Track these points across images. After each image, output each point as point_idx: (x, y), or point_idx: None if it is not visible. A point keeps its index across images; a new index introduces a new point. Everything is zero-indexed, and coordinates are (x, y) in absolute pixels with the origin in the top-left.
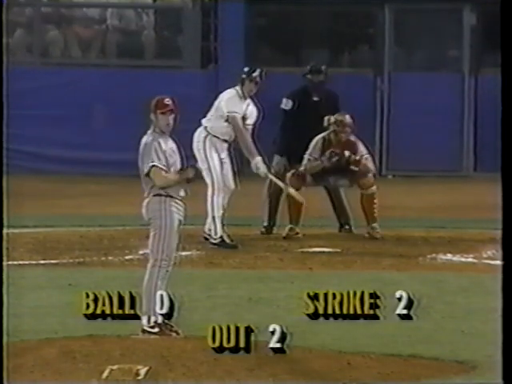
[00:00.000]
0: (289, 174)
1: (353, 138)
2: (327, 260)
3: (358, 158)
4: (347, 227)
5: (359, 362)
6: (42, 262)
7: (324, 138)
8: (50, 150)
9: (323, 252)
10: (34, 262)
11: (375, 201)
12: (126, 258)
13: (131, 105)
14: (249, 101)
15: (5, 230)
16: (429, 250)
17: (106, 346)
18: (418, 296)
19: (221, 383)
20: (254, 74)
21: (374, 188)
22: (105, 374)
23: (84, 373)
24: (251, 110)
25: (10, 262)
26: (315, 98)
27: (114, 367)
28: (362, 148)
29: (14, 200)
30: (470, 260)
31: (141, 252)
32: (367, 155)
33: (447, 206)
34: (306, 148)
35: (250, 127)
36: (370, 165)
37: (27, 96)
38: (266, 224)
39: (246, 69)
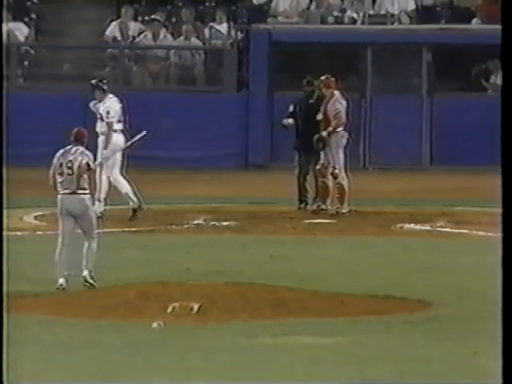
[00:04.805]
0: (318, 166)
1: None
2: (326, 228)
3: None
4: (304, 204)
5: (350, 300)
6: (126, 229)
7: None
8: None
9: (323, 223)
10: (119, 230)
11: (345, 191)
12: (184, 226)
13: (188, 119)
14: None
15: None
16: (398, 221)
17: (170, 289)
18: (391, 253)
19: (250, 316)
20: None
21: (345, 181)
22: (169, 309)
23: (154, 309)
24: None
25: (104, 230)
26: (310, 101)
27: (176, 304)
28: (338, 104)
29: None
30: (427, 228)
31: (194, 222)
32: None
33: (411, 190)
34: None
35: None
36: (343, 117)
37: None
38: (299, 205)
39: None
